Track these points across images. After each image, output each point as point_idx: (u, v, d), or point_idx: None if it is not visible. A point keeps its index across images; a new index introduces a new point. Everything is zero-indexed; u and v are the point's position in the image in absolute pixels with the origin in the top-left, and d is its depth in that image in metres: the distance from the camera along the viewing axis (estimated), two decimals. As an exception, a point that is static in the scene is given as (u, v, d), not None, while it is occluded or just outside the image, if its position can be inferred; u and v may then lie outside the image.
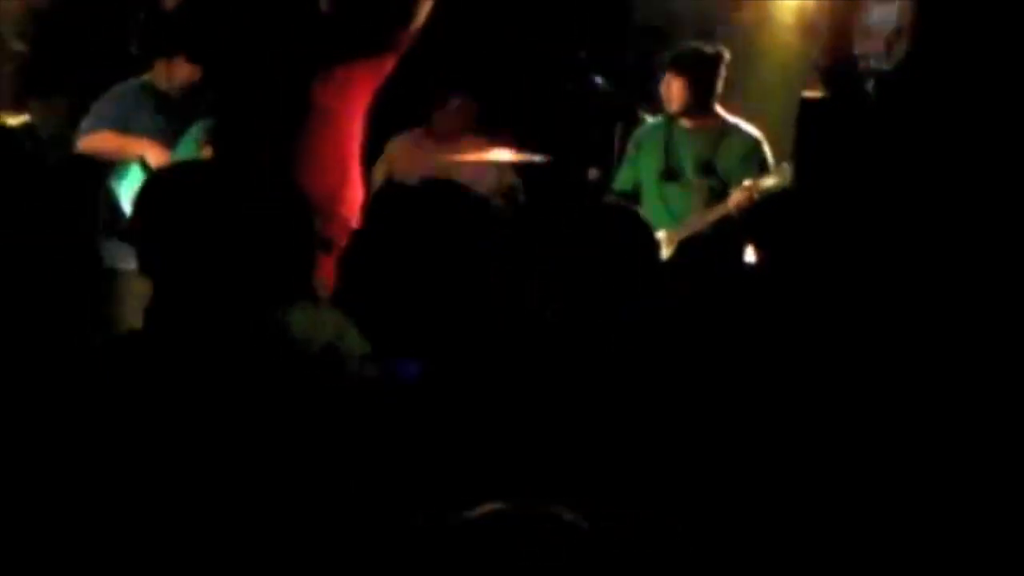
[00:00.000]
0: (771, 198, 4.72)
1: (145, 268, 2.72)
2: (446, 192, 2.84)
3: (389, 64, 4.19)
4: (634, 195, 5.43)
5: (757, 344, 3.30)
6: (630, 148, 5.51)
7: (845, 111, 4.30)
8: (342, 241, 3.79)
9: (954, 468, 3.16)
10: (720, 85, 5.27)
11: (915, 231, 3.84)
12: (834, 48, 4.65)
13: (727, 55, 5.24)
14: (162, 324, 2.68)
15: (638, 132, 5.53)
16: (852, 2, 4.61)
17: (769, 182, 5.00)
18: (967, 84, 3.52)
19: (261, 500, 2.44)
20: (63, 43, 5.91)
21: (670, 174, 5.33)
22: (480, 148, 5.83)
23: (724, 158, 5.24)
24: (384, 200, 2.84)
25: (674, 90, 5.19)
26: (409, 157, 5.88)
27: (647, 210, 5.14)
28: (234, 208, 2.88)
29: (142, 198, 2.74)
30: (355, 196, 4.27)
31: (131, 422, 2.46)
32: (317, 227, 3.04)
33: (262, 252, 2.87)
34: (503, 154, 5.68)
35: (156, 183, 2.82)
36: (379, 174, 5.75)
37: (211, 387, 2.52)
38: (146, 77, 5.32)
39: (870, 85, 4.05)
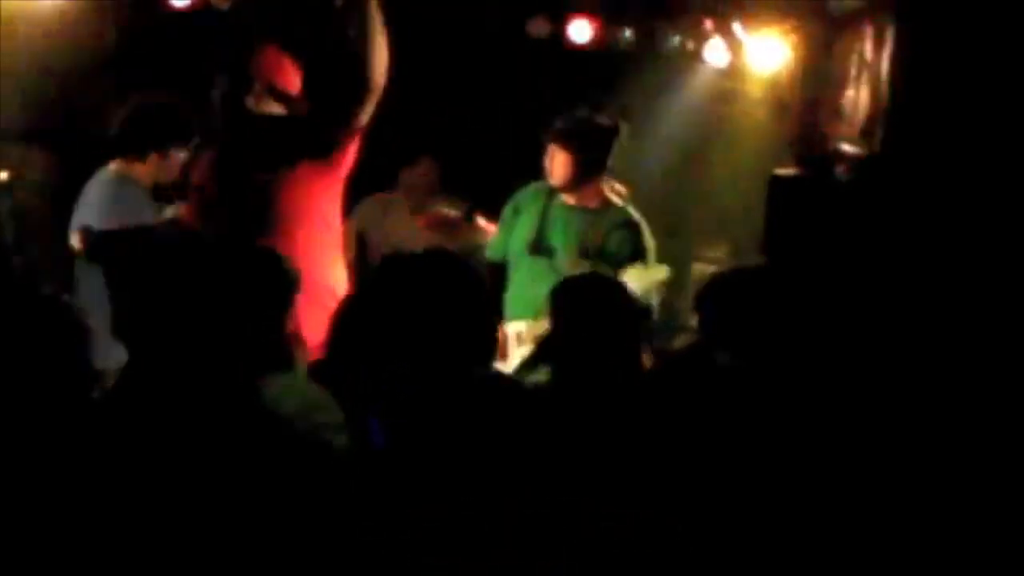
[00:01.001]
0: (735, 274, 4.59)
1: (119, 332, 2.71)
2: (447, 262, 2.84)
3: (342, 159, 4.30)
4: (503, 265, 4.95)
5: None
6: (508, 212, 4.98)
7: (817, 190, 4.35)
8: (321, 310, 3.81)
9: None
10: (611, 160, 4.75)
11: (881, 312, 3.89)
12: (804, 127, 4.72)
13: (624, 128, 4.78)
14: (134, 390, 2.66)
15: (518, 195, 4.98)
16: (823, 83, 4.69)
17: (634, 283, 4.37)
18: (943, 177, 3.58)
19: (230, 569, 2.43)
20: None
21: (539, 249, 4.82)
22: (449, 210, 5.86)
23: (602, 241, 4.73)
24: (386, 268, 2.85)
25: (556, 163, 4.69)
26: (382, 221, 5.91)
27: (514, 283, 4.85)
28: (212, 276, 2.88)
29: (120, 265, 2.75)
30: (331, 266, 4.36)
31: (99, 488, 2.43)
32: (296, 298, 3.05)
33: (240, 321, 2.87)
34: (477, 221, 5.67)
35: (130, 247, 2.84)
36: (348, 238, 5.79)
37: (182, 453, 2.51)
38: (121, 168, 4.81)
39: (841, 167, 4.10)
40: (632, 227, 4.73)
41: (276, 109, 4.33)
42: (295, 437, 2.66)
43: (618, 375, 3.31)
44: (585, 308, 3.31)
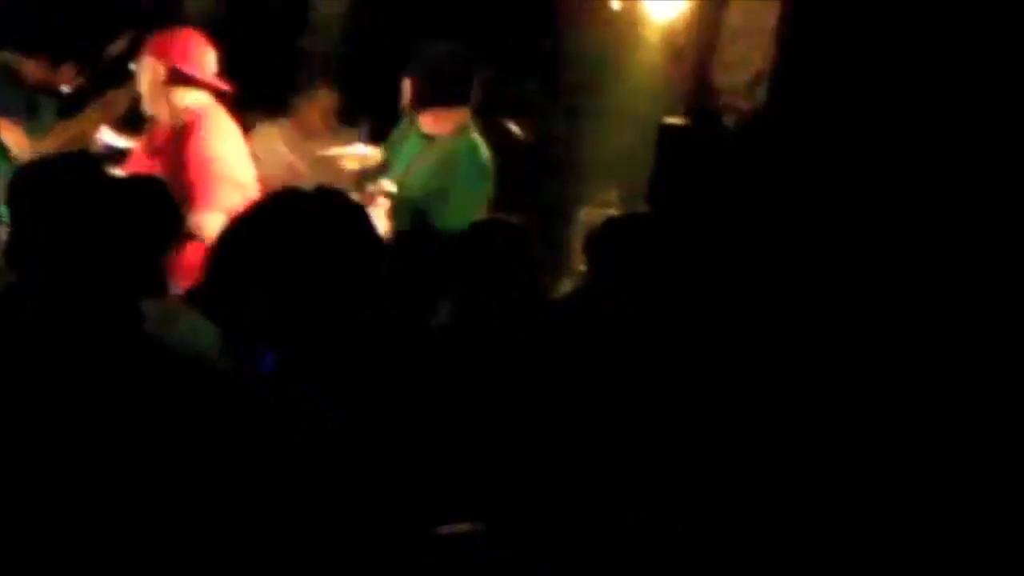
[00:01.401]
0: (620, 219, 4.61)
1: (9, 258, 2.72)
2: (327, 200, 2.83)
3: None
4: None
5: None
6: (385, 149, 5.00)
7: (704, 141, 4.42)
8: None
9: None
10: (468, 92, 4.66)
11: (760, 257, 3.97)
12: (696, 78, 4.78)
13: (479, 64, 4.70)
14: (15, 312, 2.67)
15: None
16: (716, 35, 4.74)
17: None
18: (821, 131, 3.66)
19: (111, 494, 2.43)
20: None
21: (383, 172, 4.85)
22: (347, 139, 5.84)
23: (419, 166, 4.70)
24: (270, 202, 2.84)
25: (405, 89, 4.69)
26: (274, 149, 5.87)
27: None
28: (95, 202, 2.89)
29: (10, 192, 2.76)
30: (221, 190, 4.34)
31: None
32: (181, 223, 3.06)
33: (123, 246, 2.88)
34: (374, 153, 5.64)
35: (22, 176, 2.83)
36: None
37: (63, 377, 2.51)
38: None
39: (729, 119, 4.17)
40: (452, 153, 4.68)
41: None
42: (179, 361, 2.67)
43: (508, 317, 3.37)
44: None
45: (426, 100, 4.59)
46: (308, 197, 2.85)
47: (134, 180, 3.38)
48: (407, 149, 4.75)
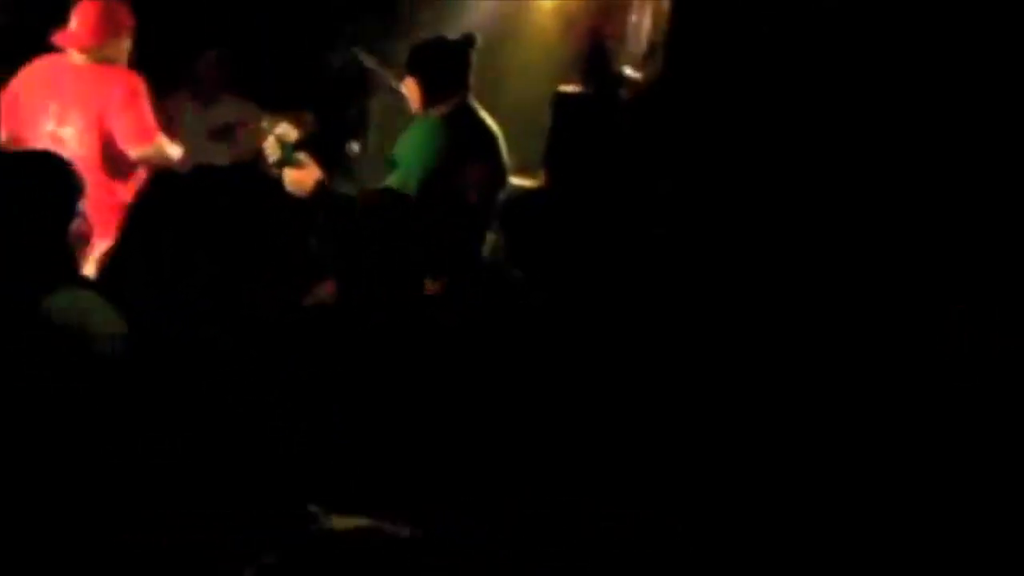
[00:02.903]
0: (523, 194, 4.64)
1: None
2: (249, 180, 2.83)
3: None
4: None
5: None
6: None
7: (598, 109, 4.48)
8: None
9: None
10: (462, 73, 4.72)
11: (650, 225, 4.04)
12: (591, 48, 4.83)
13: (477, 39, 4.78)
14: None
15: None
16: (611, 6, 4.80)
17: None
18: (714, 101, 3.74)
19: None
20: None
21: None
22: (241, 109, 5.81)
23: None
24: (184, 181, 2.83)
25: (410, 91, 4.75)
26: (167, 124, 5.82)
27: None
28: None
29: None
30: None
31: None
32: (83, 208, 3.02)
33: (25, 232, 2.85)
34: (280, 125, 5.60)
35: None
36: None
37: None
38: None
39: (623, 90, 4.24)
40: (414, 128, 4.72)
41: None
42: (74, 343, 2.66)
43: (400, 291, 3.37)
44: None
45: (434, 97, 4.62)
46: (220, 173, 2.85)
47: (30, 155, 3.32)
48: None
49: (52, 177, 2.97)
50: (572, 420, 3.01)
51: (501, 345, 3.23)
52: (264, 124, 4.91)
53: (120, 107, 4.49)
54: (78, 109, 4.51)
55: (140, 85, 4.59)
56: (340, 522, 1.85)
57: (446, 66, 4.62)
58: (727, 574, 2.78)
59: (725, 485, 3.01)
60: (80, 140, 4.49)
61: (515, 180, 5.51)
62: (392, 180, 4.40)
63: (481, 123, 4.62)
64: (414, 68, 4.64)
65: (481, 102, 4.67)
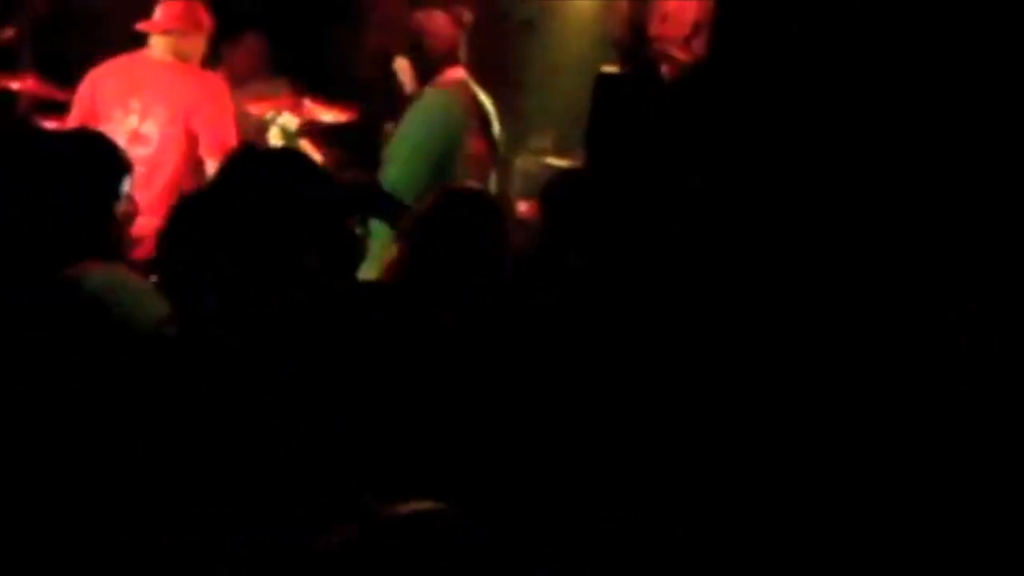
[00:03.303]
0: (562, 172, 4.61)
1: None
2: (293, 162, 2.81)
3: None
4: None
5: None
6: None
7: (641, 89, 4.44)
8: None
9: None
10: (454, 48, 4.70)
11: (700, 211, 4.00)
12: (631, 27, 4.78)
13: (466, 16, 4.72)
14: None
15: None
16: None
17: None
18: (758, 87, 3.68)
19: (49, 464, 2.42)
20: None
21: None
22: (274, 94, 5.80)
23: None
24: (233, 164, 2.81)
25: (404, 74, 4.75)
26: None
27: None
28: (35, 162, 2.84)
29: None
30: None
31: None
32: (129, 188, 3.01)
33: (60, 209, 2.84)
34: (283, 115, 5.59)
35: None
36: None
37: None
38: None
39: (665, 69, 4.18)
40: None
41: None
42: (118, 325, 2.65)
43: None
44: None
45: (427, 74, 4.58)
46: (264, 156, 2.84)
47: (76, 134, 3.32)
48: None
49: (98, 157, 2.98)
50: (572, 419, 3.00)
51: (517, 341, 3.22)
52: (267, 116, 4.91)
53: (206, 108, 4.48)
54: (163, 106, 4.49)
55: (226, 89, 4.59)
56: (402, 507, 1.83)
57: (436, 40, 4.60)
58: (727, 574, 2.76)
59: (725, 486, 2.98)
60: (163, 138, 4.48)
61: (554, 161, 5.50)
62: (398, 161, 4.34)
63: (477, 97, 4.58)
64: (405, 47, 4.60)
65: (521, 84, 4.68)
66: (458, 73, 4.58)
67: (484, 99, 4.65)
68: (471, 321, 3.15)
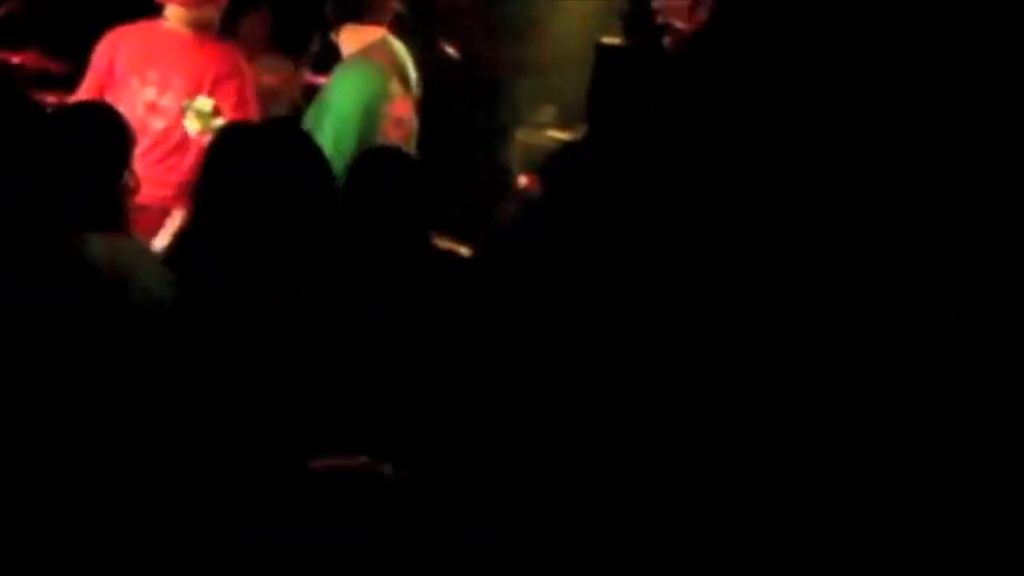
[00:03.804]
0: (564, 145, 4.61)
1: None
2: (291, 136, 2.82)
3: None
4: None
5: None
6: None
7: (643, 60, 4.43)
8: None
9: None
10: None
11: (698, 184, 4.00)
12: (633, -1, 4.78)
13: None
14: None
15: None
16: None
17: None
18: (760, 59, 3.68)
19: (51, 423, 2.43)
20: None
21: None
22: (280, 68, 5.83)
23: None
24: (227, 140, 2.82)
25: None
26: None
27: None
28: (42, 136, 2.86)
29: None
30: None
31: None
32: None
33: (67, 182, 2.85)
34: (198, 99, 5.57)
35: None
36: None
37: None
38: None
39: (668, 40, 4.17)
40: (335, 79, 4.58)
41: None
42: (118, 287, 2.66)
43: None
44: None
45: (334, 17, 4.47)
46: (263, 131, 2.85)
47: (83, 107, 3.34)
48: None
49: (104, 130, 2.99)
50: (572, 418, 3.01)
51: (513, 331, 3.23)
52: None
53: (226, 80, 4.45)
54: (182, 79, 4.46)
55: (244, 59, 4.56)
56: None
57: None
58: (727, 574, 2.75)
59: (725, 485, 2.98)
60: (181, 111, 4.46)
61: (556, 134, 5.50)
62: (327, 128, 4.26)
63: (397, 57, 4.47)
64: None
65: (523, 57, 4.67)
66: (376, 34, 4.48)
67: (404, 55, 4.53)
68: (471, 320, 3.15)
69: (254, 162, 2.69)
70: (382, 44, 4.47)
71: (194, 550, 2.26)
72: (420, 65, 4.58)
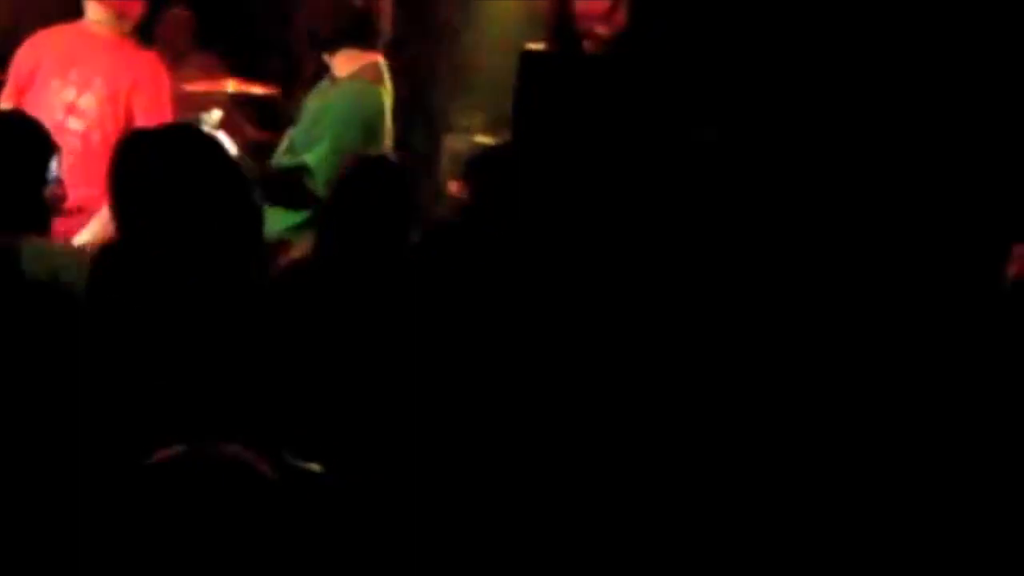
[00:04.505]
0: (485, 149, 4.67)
1: None
2: (188, 139, 2.85)
3: None
4: None
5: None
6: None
7: (566, 65, 4.49)
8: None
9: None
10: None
11: (623, 185, 4.06)
12: (555, 4, 4.83)
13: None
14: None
15: None
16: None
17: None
18: (680, 56, 3.75)
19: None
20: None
21: None
22: (209, 69, 5.82)
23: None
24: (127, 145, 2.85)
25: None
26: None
27: None
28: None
29: None
30: None
31: None
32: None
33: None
34: (235, 84, 5.64)
35: None
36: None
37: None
38: None
39: (589, 45, 4.24)
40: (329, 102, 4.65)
41: None
42: (50, 293, 2.69)
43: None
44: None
45: (331, 39, 4.55)
46: (165, 134, 2.89)
47: (6, 118, 3.34)
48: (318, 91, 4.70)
49: (26, 140, 3.01)
50: (570, 417, 3.04)
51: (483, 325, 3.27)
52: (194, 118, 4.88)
53: (143, 86, 4.48)
54: (102, 81, 4.48)
55: (164, 69, 4.59)
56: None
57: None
58: (727, 574, 2.78)
59: (725, 484, 3.01)
60: (100, 113, 4.46)
61: (483, 139, 5.54)
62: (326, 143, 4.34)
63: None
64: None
65: (449, 63, 4.71)
66: (372, 57, 4.60)
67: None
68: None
69: (152, 167, 2.72)
70: (377, 67, 4.60)
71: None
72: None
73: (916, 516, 3.13)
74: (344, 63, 4.58)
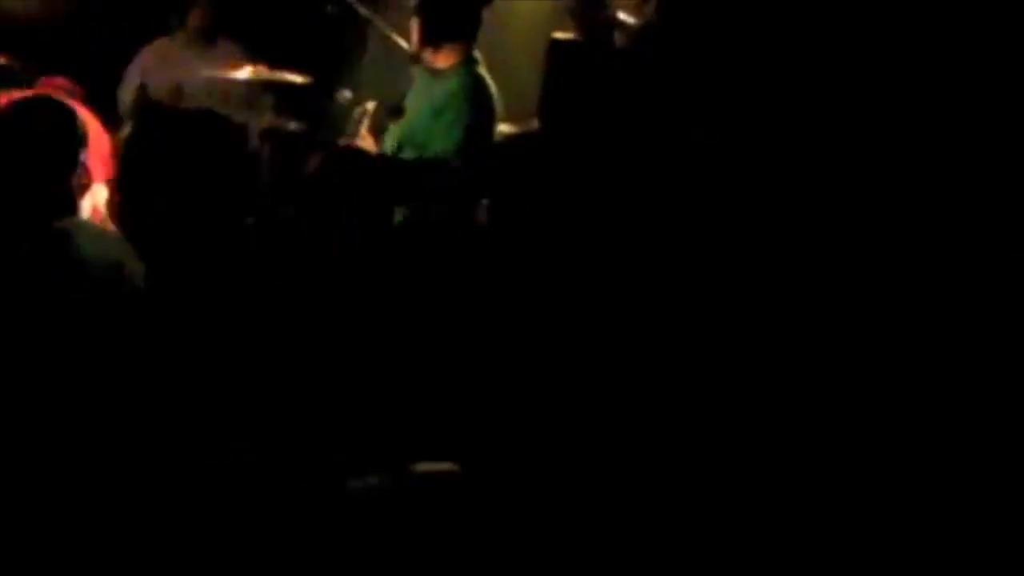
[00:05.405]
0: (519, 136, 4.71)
1: None
2: (206, 124, 2.89)
3: None
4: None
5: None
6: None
7: (594, 55, 4.49)
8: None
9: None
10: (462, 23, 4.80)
11: (651, 174, 4.06)
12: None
13: None
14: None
15: None
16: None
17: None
18: (703, 49, 3.75)
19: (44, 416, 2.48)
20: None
21: (395, 111, 4.99)
22: (233, 55, 5.83)
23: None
24: (141, 130, 2.89)
25: (412, 31, 4.88)
26: (162, 67, 5.84)
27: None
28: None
29: None
30: None
31: None
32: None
33: (32, 178, 2.90)
34: (261, 71, 5.65)
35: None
36: (129, 87, 5.78)
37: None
38: None
39: (618, 35, 4.24)
40: (450, 90, 4.77)
41: None
42: (112, 283, 2.73)
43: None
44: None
45: (432, 38, 4.71)
46: (187, 119, 2.91)
47: (32, 102, 3.35)
48: (416, 87, 4.84)
49: (63, 124, 3.03)
50: (569, 416, 3.04)
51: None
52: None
53: None
54: None
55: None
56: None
57: (455, 10, 4.75)
58: (727, 574, 2.78)
59: (725, 484, 3.01)
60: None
61: (506, 128, 5.54)
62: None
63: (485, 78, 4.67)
64: (419, 9, 4.73)
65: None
66: (467, 48, 4.69)
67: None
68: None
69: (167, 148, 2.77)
70: (476, 58, 4.81)
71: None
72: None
73: (916, 516, 3.13)
74: (449, 54, 4.74)
